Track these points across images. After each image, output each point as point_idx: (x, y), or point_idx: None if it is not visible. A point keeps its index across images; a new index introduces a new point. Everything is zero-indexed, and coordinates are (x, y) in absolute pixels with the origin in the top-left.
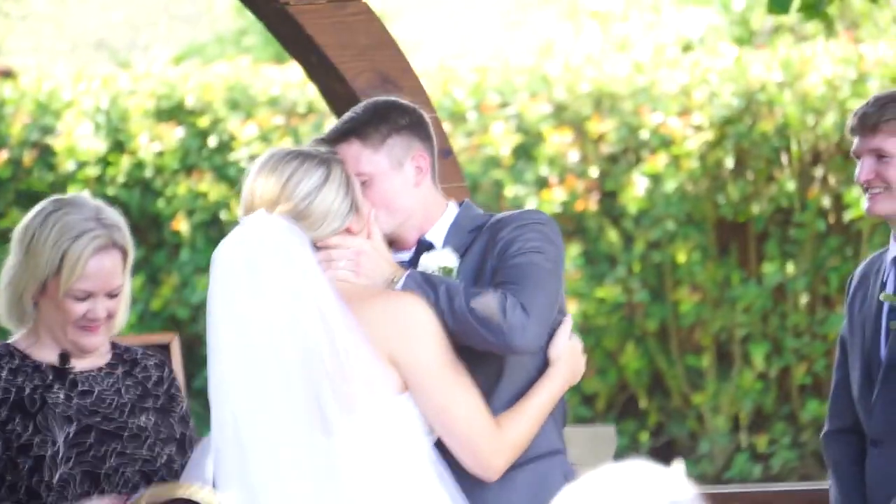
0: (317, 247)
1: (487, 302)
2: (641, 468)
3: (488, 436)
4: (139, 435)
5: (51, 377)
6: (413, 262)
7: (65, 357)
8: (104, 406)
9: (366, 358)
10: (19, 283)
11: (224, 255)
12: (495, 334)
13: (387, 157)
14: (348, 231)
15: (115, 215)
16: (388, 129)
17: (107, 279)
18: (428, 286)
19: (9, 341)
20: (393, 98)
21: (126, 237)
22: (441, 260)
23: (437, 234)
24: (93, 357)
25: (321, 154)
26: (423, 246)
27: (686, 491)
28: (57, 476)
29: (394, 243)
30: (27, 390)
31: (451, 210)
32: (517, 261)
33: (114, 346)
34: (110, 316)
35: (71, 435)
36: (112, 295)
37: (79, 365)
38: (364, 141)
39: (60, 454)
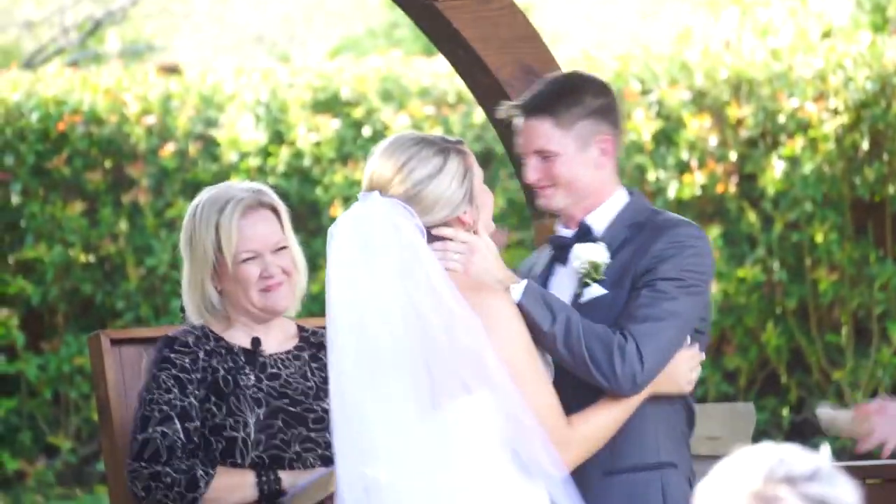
0: (431, 234)
1: (605, 343)
2: (783, 449)
3: (554, 429)
4: (323, 418)
5: (242, 360)
6: (570, 246)
7: (256, 341)
8: (291, 389)
9: (478, 335)
10: (195, 277)
11: (340, 231)
12: (606, 378)
13: (574, 139)
14: (460, 221)
15: (256, 184)
16: (581, 112)
17: (265, 236)
18: (546, 309)
19: (204, 323)
20: (591, 75)
21: (271, 196)
22: (592, 254)
23: (600, 218)
24: (280, 340)
25: (442, 143)
26: (583, 230)
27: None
28: (248, 460)
29: (561, 217)
30: (221, 372)
31: (620, 196)
32: (654, 291)
33: (301, 328)
34: (286, 272)
35: (261, 417)
36: (278, 250)
37: (268, 349)
38: (556, 119)
39: (252, 437)
